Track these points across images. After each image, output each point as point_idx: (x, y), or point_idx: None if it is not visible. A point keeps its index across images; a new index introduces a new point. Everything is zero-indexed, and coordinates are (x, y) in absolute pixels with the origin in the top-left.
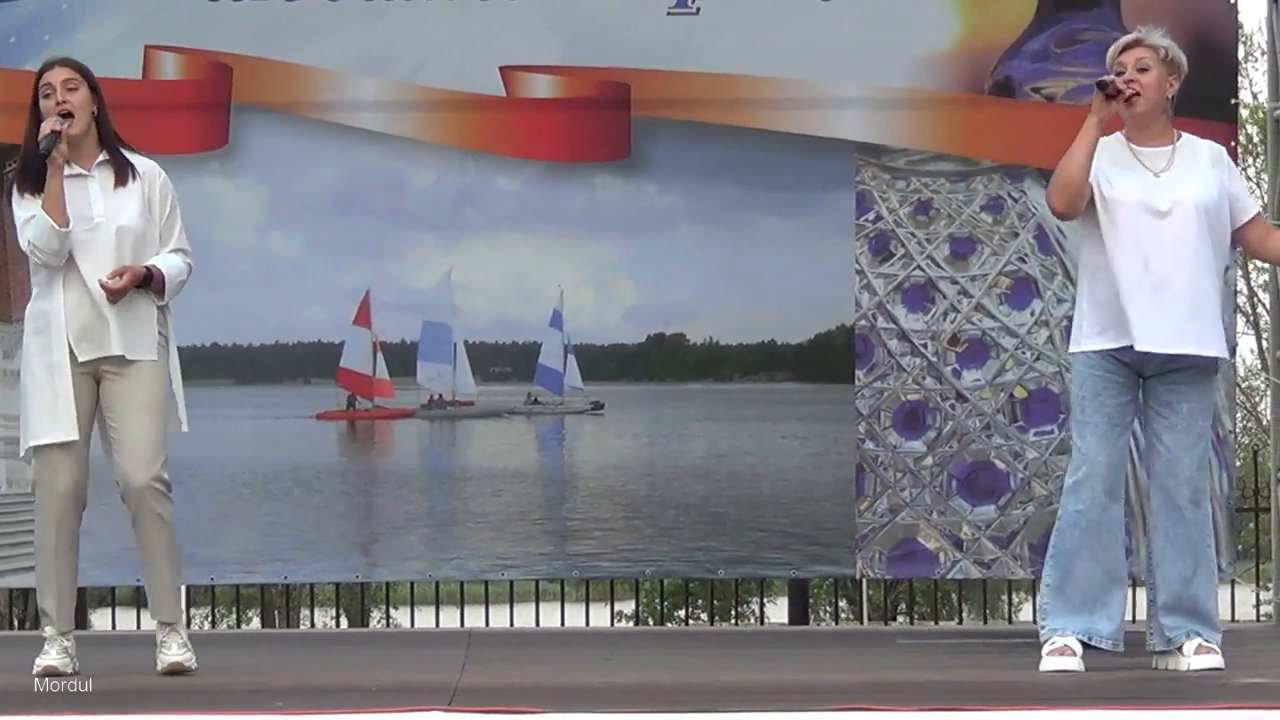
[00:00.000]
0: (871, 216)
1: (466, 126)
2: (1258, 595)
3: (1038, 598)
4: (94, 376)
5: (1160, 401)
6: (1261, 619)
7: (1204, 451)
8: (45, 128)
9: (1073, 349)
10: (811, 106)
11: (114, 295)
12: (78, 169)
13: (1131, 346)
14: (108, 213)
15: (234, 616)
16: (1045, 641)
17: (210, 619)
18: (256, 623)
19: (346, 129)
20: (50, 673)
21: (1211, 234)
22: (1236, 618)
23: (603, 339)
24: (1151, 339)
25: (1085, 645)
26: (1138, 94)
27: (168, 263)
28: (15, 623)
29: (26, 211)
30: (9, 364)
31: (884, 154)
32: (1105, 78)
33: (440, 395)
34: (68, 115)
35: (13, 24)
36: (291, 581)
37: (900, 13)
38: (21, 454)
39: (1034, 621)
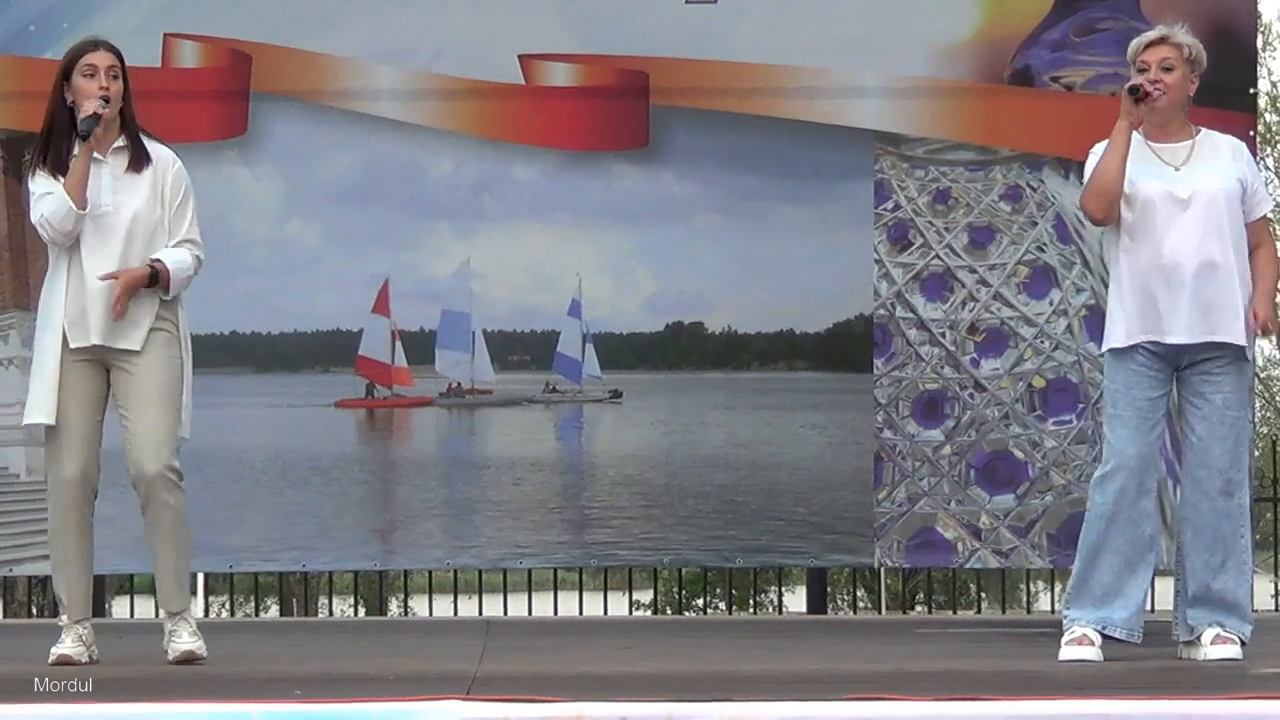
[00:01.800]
0: (890, 205)
1: (485, 115)
2: (1276, 585)
3: (1066, 586)
4: (103, 365)
5: (1194, 392)
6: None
7: (1238, 442)
8: (89, 108)
9: (1106, 346)
10: (830, 96)
11: (118, 301)
12: (97, 153)
13: (1163, 339)
14: (117, 201)
15: (252, 605)
16: (1066, 630)
17: (229, 607)
18: (275, 611)
19: (365, 117)
20: (64, 661)
21: (1233, 221)
22: (1255, 607)
23: (621, 328)
24: (1183, 330)
25: (1102, 635)
26: (1163, 94)
27: (174, 257)
28: (34, 610)
29: (42, 187)
30: (28, 351)
31: (902, 143)
32: (1135, 82)
33: (459, 384)
34: (107, 101)
35: (32, 12)
36: (310, 570)
37: (919, 2)
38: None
39: (1052, 611)
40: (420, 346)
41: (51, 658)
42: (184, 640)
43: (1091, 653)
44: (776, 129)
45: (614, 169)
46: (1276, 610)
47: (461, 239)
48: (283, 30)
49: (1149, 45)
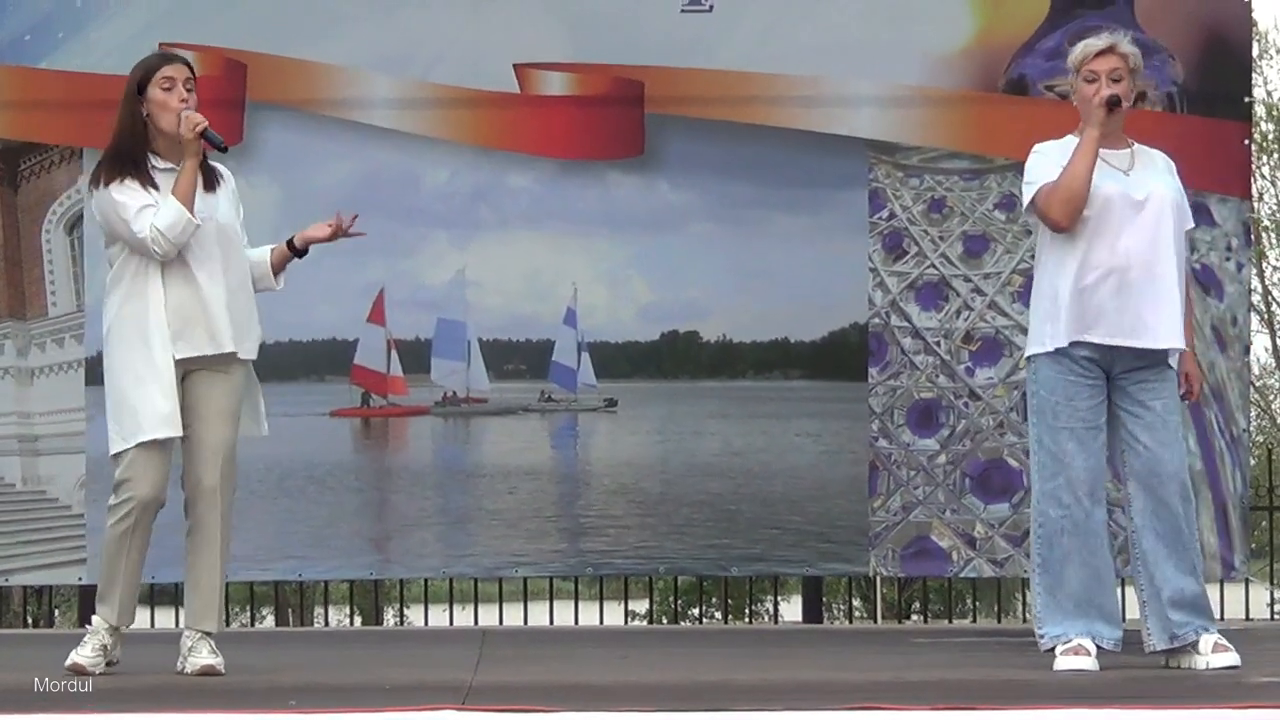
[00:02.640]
0: (885, 214)
1: (480, 124)
2: (1272, 594)
3: (1030, 603)
4: (183, 375)
5: (1132, 400)
6: (1276, 618)
7: (1183, 447)
8: (198, 122)
9: (1037, 350)
10: (825, 104)
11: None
12: (172, 164)
13: (1100, 343)
14: (206, 208)
15: (248, 614)
16: (1049, 647)
17: (224, 617)
18: (270, 621)
19: (360, 126)
20: (77, 671)
21: (1181, 229)
22: (1251, 616)
23: (616, 336)
24: (1127, 332)
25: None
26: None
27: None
28: (29, 621)
29: (139, 200)
30: (23, 361)
31: (897, 152)
32: (1114, 92)
33: (454, 392)
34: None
35: (27, 21)
36: (305, 579)
37: (914, 10)
38: (113, 452)
39: None
40: (416, 355)
41: (67, 662)
42: (204, 655)
43: (1088, 662)
44: (771, 137)
45: (609, 178)
46: (1273, 619)
47: (457, 248)
48: (278, 39)
49: (1098, 54)
